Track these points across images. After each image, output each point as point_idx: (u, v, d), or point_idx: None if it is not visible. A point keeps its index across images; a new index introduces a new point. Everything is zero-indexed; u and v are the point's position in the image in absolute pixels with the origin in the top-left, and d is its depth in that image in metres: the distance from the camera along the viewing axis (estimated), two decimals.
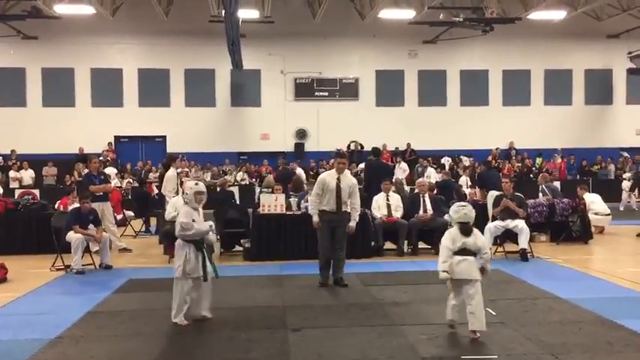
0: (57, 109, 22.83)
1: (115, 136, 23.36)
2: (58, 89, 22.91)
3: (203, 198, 6.35)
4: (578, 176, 22.65)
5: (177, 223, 6.26)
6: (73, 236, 9.23)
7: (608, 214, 12.93)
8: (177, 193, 10.97)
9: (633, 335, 5.59)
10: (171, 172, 11.59)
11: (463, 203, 6.20)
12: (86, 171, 11.67)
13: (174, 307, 6.17)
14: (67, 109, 22.92)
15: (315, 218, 8.05)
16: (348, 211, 8.14)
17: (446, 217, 12.14)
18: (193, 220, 6.21)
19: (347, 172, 8.42)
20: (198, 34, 22.47)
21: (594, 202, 13.04)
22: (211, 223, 6.55)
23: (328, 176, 8.20)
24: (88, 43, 22.67)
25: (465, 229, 5.78)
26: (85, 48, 22.77)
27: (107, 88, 23.15)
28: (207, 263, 6.22)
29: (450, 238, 5.77)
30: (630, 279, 8.26)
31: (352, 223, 8.15)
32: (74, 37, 22.38)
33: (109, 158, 21.54)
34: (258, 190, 15.51)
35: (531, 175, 21.48)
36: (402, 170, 19.57)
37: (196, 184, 6.47)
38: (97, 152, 19.14)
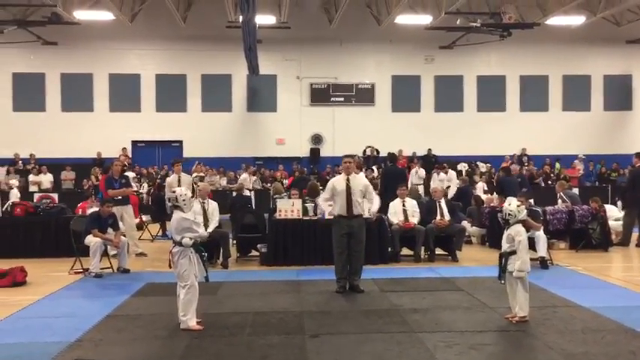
0: (75, 114, 23.10)
1: (132, 141, 23.56)
2: (77, 94, 23.16)
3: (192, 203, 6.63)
4: (597, 183, 22.41)
5: (183, 229, 6.22)
6: (92, 240, 9.30)
7: None
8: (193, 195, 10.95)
9: None
10: (172, 177, 11.58)
11: (518, 202, 6.79)
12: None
13: (189, 312, 6.18)
14: (86, 113, 23.18)
15: (327, 210, 8.24)
16: (364, 214, 8.11)
17: (464, 223, 12.13)
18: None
19: (361, 174, 8.43)
20: (215, 40, 22.62)
21: (611, 210, 12.92)
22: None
23: (337, 179, 8.21)
24: (107, 48, 22.94)
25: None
26: (104, 53, 23.02)
27: (125, 93, 23.36)
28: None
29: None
30: None
31: (374, 209, 8.49)
32: (93, 43, 22.65)
33: (126, 163, 21.66)
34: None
35: (550, 182, 21.27)
36: (418, 177, 19.30)
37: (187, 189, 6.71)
38: (114, 157, 19.28)
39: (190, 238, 6.20)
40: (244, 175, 18.62)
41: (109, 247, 9.64)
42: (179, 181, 11.36)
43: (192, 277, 6.21)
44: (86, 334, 6.03)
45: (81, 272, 9.32)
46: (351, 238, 7.95)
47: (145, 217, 14.80)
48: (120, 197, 10.88)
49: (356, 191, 7.92)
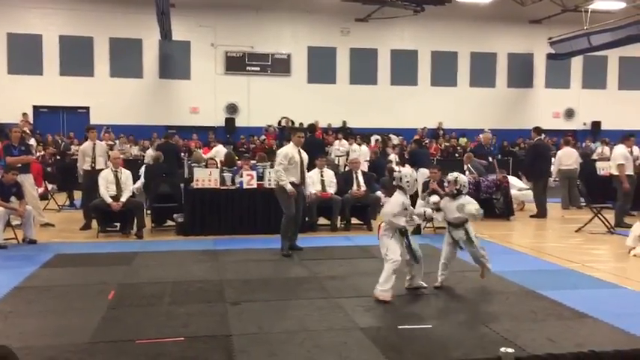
0: None
1: (33, 106, 22.19)
2: None
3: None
4: (499, 156, 23.59)
5: (391, 212, 6.04)
6: None
7: (529, 189, 13.59)
8: (106, 165, 10.66)
9: (555, 304, 5.95)
10: (87, 144, 11.16)
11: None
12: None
13: (387, 285, 6.00)
14: None
15: (289, 187, 8.34)
16: None
17: (378, 194, 12.46)
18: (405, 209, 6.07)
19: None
20: (124, 2, 21.60)
21: (514, 181, 13.69)
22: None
23: (291, 150, 8.55)
24: (4, 5, 21.34)
25: None
26: (1, 11, 21.39)
27: (25, 55, 21.90)
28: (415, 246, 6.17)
29: None
30: (550, 253, 8.80)
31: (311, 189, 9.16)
32: None
33: (25, 129, 20.36)
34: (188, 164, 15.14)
35: (457, 155, 22.18)
36: (341, 149, 19.22)
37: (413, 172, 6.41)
38: (14, 122, 18.10)
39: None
40: (220, 147, 17.11)
41: (11, 217, 9.14)
42: (94, 148, 10.95)
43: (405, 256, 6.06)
44: None
45: None
46: (297, 204, 8.51)
47: (50, 186, 14.10)
48: (19, 165, 10.27)
49: (305, 162, 8.63)
